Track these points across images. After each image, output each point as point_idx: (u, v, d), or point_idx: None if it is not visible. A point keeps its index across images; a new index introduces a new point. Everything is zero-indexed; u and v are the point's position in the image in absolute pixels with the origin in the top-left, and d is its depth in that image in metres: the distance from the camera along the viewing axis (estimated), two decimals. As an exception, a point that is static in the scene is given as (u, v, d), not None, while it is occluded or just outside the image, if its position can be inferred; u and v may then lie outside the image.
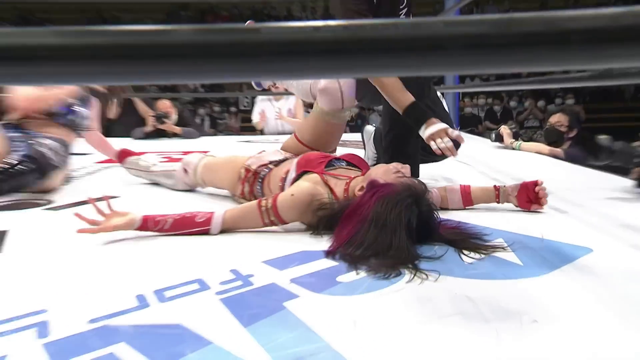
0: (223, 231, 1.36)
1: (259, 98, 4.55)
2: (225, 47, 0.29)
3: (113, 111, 4.28)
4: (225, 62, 0.30)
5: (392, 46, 0.31)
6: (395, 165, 1.31)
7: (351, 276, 1.05)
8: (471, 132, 6.35)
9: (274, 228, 1.39)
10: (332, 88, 1.77)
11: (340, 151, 1.81)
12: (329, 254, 1.16)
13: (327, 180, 1.40)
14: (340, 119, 1.83)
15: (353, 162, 1.54)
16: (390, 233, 1.10)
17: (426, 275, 1.02)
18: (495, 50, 0.31)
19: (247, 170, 1.66)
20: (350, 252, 1.12)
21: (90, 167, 2.59)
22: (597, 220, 1.45)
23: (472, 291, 0.96)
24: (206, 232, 1.34)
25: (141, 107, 4.23)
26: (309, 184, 1.37)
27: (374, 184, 1.21)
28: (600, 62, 0.32)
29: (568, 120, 3.00)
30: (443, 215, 1.39)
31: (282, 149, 1.82)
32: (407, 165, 1.34)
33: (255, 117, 4.56)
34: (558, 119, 3.06)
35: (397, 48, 0.31)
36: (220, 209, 1.38)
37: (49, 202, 1.76)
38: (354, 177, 1.40)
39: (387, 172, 1.29)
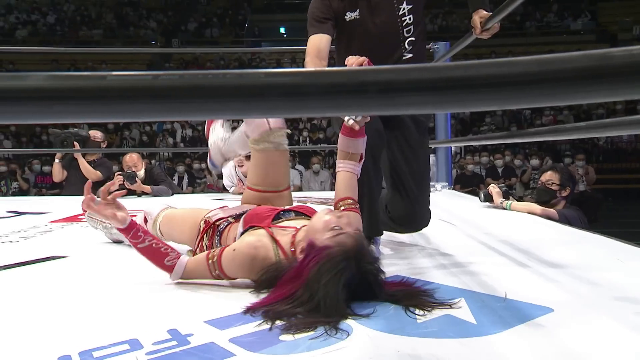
0: (182, 279, 1.48)
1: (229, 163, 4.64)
2: (74, 90, 0.38)
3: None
4: (74, 104, 0.39)
5: (219, 93, 0.40)
6: (331, 219, 1.38)
7: (294, 335, 1.10)
8: (471, 192, 6.47)
9: (224, 285, 1.46)
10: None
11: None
12: (249, 310, 1.23)
13: (273, 233, 1.48)
14: (275, 145, 1.83)
15: (302, 211, 1.62)
16: (324, 294, 1.17)
17: (340, 332, 1.09)
18: (306, 98, 0.40)
19: (207, 222, 1.73)
20: (275, 308, 1.20)
21: (44, 226, 2.66)
22: (571, 282, 1.51)
23: (419, 350, 1.02)
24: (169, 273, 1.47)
25: (83, 165, 4.34)
26: (253, 238, 1.45)
27: (312, 246, 1.29)
28: (392, 109, 0.42)
29: (559, 179, 3.10)
30: (409, 273, 1.45)
31: (242, 202, 1.91)
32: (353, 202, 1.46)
33: (227, 183, 4.57)
34: (549, 177, 3.15)
35: (224, 94, 0.40)
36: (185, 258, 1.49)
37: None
38: (301, 227, 1.48)
39: (325, 229, 1.35)
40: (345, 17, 1.85)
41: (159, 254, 1.48)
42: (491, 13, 1.95)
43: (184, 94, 0.40)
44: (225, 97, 0.40)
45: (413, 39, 1.86)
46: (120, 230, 1.48)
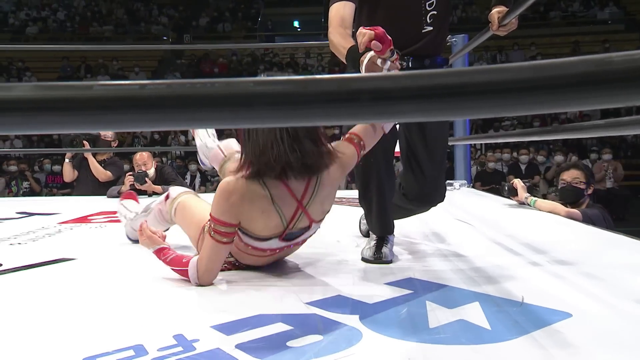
0: (201, 281, 1.55)
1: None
2: (60, 101, 0.39)
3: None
4: (61, 114, 0.40)
5: (207, 102, 0.41)
6: None
7: (303, 340, 1.11)
8: (491, 190, 6.43)
9: (232, 290, 1.47)
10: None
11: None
12: None
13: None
14: None
15: None
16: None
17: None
18: (296, 107, 0.41)
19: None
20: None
21: (52, 227, 2.70)
22: (592, 286, 1.50)
23: (430, 357, 1.02)
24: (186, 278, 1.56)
25: (93, 164, 4.41)
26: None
27: None
28: (385, 117, 0.42)
29: (585, 176, 3.06)
30: (423, 275, 1.44)
31: None
32: None
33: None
34: (576, 176, 3.10)
35: (212, 104, 0.41)
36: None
37: (-4, 264, 1.85)
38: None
39: None
40: None
41: (178, 259, 1.59)
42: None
43: (172, 104, 0.40)
44: (213, 107, 0.41)
45: (435, 12, 1.85)
46: (154, 252, 1.62)
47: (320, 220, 1.69)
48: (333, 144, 1.61)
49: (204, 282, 1.55)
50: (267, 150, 1.49)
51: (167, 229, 2.03)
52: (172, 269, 1.59)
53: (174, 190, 1.93)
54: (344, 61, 1.65)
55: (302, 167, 1.52)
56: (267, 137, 1.49)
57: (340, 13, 1.76)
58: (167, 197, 1.93)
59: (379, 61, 1.48)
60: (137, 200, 2.35)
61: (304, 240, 1.72)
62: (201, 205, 1.86)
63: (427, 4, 1.85)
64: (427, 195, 1.95)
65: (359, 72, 1.55)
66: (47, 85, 0.40)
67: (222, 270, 1.66)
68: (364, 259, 1.82)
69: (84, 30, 15.99)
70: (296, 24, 18.86)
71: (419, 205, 2.01)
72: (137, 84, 0.40)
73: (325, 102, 0.41)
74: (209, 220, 1.56)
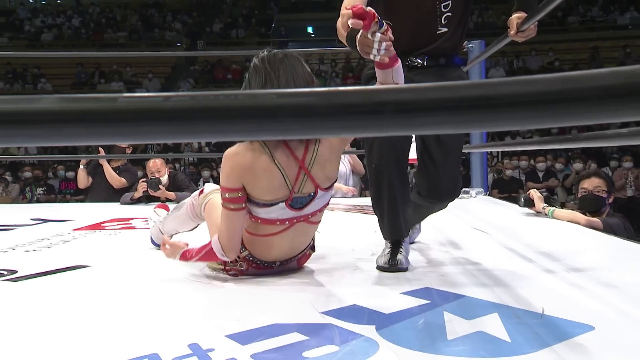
0: (226, 252, 1.64)
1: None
2: (85, 113, 0.40)
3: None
4: (86, 126, 0.40)
5: (231, 114, 0.41)
6: None
7: (319, 351, 1.11)
8: (508, 197, 6.38)
9: (247, 298, 1.47)
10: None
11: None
12: None
13: None
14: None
15: None
16: None
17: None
18: (319, 119, 0.41)
19: None
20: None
21: (67, 234, 2.73)
22: (614, 297, 1.48)
23: (447, 370, 1.01)
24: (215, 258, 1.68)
25: (107, 171, 4.45)
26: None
27: None
28: (409, 130, 0.42)
29: (606, 185, 3.02)
30: (440, 284, 1.43)
31: None
32: None
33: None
34: (598, 184, 3.06)
35: (236, 116, 0.41)
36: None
37: (12, 272, 1.87)
38: None
39: None
40: None
41: (202, 249, 1.69)
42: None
43: (196, 116, 0.41)
44: (237, 119, 0.41)
45: (450, 14, 1.88)
46: (180, 258, 1.72)
47: (327, 189, 1.71)
48: None
49: (229, 252, 1.64)
50: None
51: (194, 228, 2.10)
52: (201, 260, 1.70)
53: (208, 187, 1.98)
54: (348, 46, 1.68)
55: None
56: None
57: (351, 2, 1.79)
58: (200, 192, 1.97)
59: (369, 35, 1.49)
60: (169, 211, 2.39)
61: (314, 214, 1.73)
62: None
63: (442, 5, 1.88)
64: (442, 191, 1.97)
65: (357, 51, 1.59)
66: (72, 98, 0.41)
67: (239, 273, 1.71)
68: (379, 267, 1.82)
69: (98, 37, 16.19)
70: (310, 29, 18.93)
71: (432, 201, 2.02)
72: (160, 96, 0.41)
73: (348, 114, 0.41)
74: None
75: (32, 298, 1.59)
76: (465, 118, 0.40)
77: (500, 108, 0.39)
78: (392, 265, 1.80)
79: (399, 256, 1.82)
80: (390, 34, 1.52)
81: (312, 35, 18.78)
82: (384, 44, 1.50)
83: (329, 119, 0.41)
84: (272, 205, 1.63)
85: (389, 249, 1.84)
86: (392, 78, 1.65)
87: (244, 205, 1.62)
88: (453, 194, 1.99)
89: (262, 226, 1.67)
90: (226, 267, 1.74)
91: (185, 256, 1.69)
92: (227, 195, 1.61)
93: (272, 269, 1.76)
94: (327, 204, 1.76)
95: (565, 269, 1.77)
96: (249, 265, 1.73)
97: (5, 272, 1.86)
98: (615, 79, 0.37)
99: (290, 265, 1.80)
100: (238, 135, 0.45)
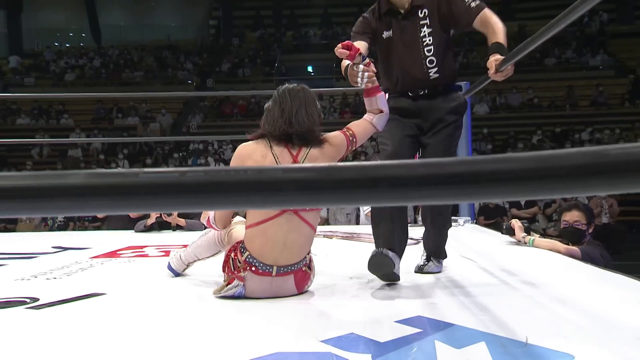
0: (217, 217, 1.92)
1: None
2: (110, 187, 0.41)
3: None
4: (110, 199, 0.42)
5: (240, 188, 0.42)
6: None
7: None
8: (494, 225, 6.37)
9: (247, 323, 1.47)
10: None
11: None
12: None
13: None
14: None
15: None
16: None
17: None
18: (320, 192, 0.42)
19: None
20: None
21: (85, 262, 2.72)
22: (592, 326, 1.47)
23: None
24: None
25: None
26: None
27: None
28: (402, 201, 0.43)
29: (585, 217, 3.02)
30: (429, 312, 1.42)
31: None
32: None
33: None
34: (577, 218, 3.04)
35: (245, 189, 0.42)
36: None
37: (34, 299, 1.86)
38: None
39: None
40: (383, 35, 2.14)
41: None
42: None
43: (209, 189, 0.42)
44: (246, 192, 0.43)
45: (433, 58, 2.08)
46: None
47: None
48: (327, 134, 1.92)
49: (218, 222, 1.92)
50: (275, 122, 1.84)
51: (216, 254, 2.14)
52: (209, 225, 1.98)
53: (237, 218, 2.06)
54: (344, 76, 1.94)
55: (298, 137, 1.83)
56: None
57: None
58: (207, 221, 2.03)
59: (354, 67, 1.81)
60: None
61: (303, 209, 1.80)
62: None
63: (425, 50, 2.08)
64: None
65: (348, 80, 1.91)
66: (98, 173, 0.42)
67: (240, 281, 1.76)
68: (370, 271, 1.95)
69: (116, 76, 16.36)
70: (310, 69, 19.14)
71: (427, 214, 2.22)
72: (177, 172, 0.42)
73: (346, 188, 0.42)
74: None
75: (54, 326, 1.58)
76: (452, 192, 0.41)
77: (482, 183, 0.40)
78: (384, 273, 1.96)
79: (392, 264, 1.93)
80: (372, 67, 1.81)
81: (312, 74, 18.97)
82: (366, 74, 1.79)
83: (329, 192, 0.42)
84: None
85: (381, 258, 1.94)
86: (377, 104, 1.96)
87: None
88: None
89: (256, 212, 1.79)
90: (231, 272, 1.79)
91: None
92: None
93: (270, 275, 1.75)
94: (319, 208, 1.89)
95: (548, 298, 1.76)
96: (249, 267, 1.76)
97: (28, 300, 1.85)
98: (584, 158, 0.39)
99: (288, 284, 1.79)
100: (247, 206, 0.47)
